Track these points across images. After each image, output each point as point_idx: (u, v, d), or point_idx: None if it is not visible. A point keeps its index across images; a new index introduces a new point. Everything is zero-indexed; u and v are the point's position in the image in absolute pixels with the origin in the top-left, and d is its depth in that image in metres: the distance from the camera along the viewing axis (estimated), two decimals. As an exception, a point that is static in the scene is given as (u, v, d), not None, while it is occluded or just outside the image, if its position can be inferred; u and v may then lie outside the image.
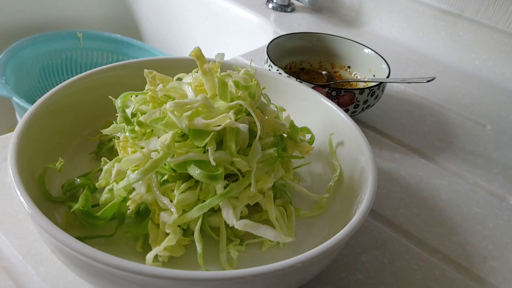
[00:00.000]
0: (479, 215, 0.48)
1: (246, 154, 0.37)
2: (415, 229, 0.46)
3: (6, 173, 0.44)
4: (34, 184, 0.37)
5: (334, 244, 0.31)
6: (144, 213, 0.37)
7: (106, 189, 0.38)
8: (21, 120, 0.38)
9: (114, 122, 0.43)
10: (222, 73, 0.41)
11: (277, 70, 0.55)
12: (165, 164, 0.36)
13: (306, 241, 0.39)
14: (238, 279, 0.28)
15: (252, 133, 0.38)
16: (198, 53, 0.39)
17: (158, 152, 0.35)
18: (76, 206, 0.36)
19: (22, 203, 0.31)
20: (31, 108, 0.39)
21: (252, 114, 0.37)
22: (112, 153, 0.44)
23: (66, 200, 0.39)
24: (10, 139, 0.48)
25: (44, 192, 0.38)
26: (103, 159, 0.41)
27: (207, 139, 0.35)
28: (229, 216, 0.35)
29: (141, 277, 0.28)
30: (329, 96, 0.54)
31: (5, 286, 0.35)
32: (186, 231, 0.37)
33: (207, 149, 0.35)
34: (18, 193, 0.32)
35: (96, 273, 0.30)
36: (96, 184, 0.39)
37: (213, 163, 0.34)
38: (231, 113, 0.36)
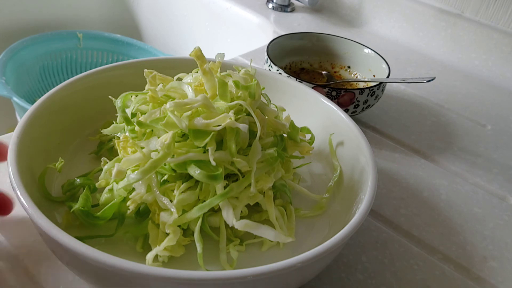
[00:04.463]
0: (479, 215, 0.48)
1: (246, 154, 0.37)
2: (415, 229, 0.46)
3: (6, 173, 0.44)
4: (34, 184, 0.37)
5: (334, 244, 0.31)
6: (144, 213, 0.37)
7: (106, 189, 0.38)
8: (21, 120, 0.38)
9: (114, 122, 0.43)
10: (222, 73, 0.41)
11: (277, 70, 0.55)
12: (165, 164, 0.36)
13: (306, 241, 0.39)
14: (239, 279, 0.28)
15: (252, 133, 0.38)
16: (198, 53, 0.39)
17: (158, 152, 0.35)
18: (76, 206, 0.36)
19: (22, 204, 0.31)
20: (31, 108, 0.39)
21: (252, 114, 0.37)
22: (112, 153, 0.44)
23: (66, 200, 0.39)
24: (10, 139, 0.48)
25: (44, 192, 0.38)
26: (103, 159, 0.41)
27: (207, 139, 0.35)
28: (229, 216, 0.35)
29: (141, 277, 0.28)
30: (329, 96, 0.54)
31: (5, 286, 0.35)
32: (186, 231, 0.37)
33: (207, 149, 0.35)
34: (18, 193, 0.32)
35: (96, 273, 0.30)
36: (96, 184, 0.39)
37: (213, 163, 0.34)
38: (231, 113, 0.36)
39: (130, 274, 0.28)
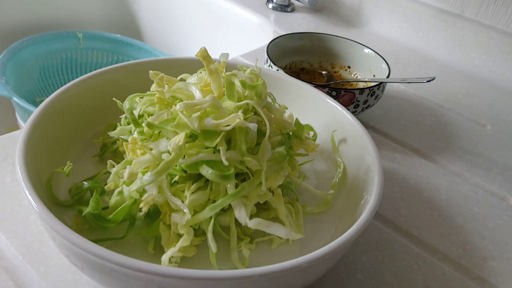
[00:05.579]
0: (479, 215, 0.48)
1: (254, 153, 0.37)
2: (415, 229, 0.46)
3: (6, 173, 0.44)
4: (42, 189, 0.36)
5: (341, 244, 0.31)
6: (153, 214, 0.37)
7: (115, 192, 0.38)
8: (26, 125, 0.37)
9: (118, 124, 0.43)
10: (227, 73, 0.41)
11: (277, 70, 0.55)
12: (175, 165, 0.36)
13: (314, 238, 0.40)
14: (269, 275, 0.29)
15: (259, 132, 0.38)
16: (204, 54, 0.39)
17: (170, 154, 0.35)
18: (88, 210, 0.35)
19: (37, 211, 0.31)
20: (34, 113, 0.39)
21: (261, 113, 0.38)
22: (116, 155, 0.44)
23: (74, 204, 0.38)
24: (10, 139, 0.48)
25: (52, 197, 0.38)
26: (109, 161, 0.41)
27: (218, 139, 0.35)
28: (241, 215, 0.35)
29: (163, 279, 0.28)
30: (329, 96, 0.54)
31: (5, 286, 0.35)
32: (197, 231, 0.37)
33: (217, 149, 0.35)
34: (32, 200, 0.32)
35: (115, 276, 0.30)
36: (105, 187, 0.38)
37: (226, 163, 0.34)
38: (240, 113, 0.36)
39: (155, 276, 0.28)
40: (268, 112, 0.40)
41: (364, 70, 0.64)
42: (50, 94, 0.42)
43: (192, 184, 0.36)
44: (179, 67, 0.49)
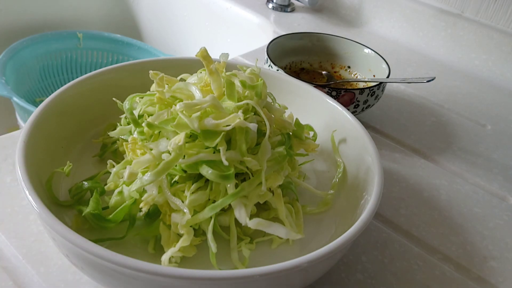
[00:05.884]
0: (479, 215, 0.48)
1: (254, 153, 0.37)
2: (415, 229, 0.46)
3: (6, 173, 0.44)
4: (42, 189, 0.36)
5: (340, 244, 0.31)
6: (153, 214, 0.37)
7: (115, 192, 0.38)
8: (26, 125, 0.37)
9: (118, 124, 0.43)
10: (227, 73, 0.41)
11: (277, 70, 0.55)
12: (176, 165, 0.36)
13: (314, 238, 0.40)
14: (269, 275, 0.29)
15: (259, 132, 0.38)
16: (204, 54, 0.39)
17: (170, 154, 0.35)
18: (88, 210, 0.35)
19: (38, 212, 0.31)
20: (34, 113, 0.39)
21: (261, 113, 0.38)
22: (116, 155, 0.44)
23: (74, 204, 0.38)
24: (10, 139, 0.48)
25: (52, 197, 0.37)
26: (109, 161, 0.41)
27: (218, 139, 0.35)
28: (241, 215, 0.35)
29: (163, 279, 0.28)
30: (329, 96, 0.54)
31: (5, 286, 0.35)
32: (197, 231, 0.37)
33: (217, 149, 0.35)
34: (32, 200, 0.31)
35: (115, 276, 0.30)
36: (105, 187, 0.38)
37: (226, 163, 0.34)
38: (240, 113, 0.36)
39: (155, 276, 0.28)
40: (268, 112, 0.40)
41: (364, 70, 0.64)
42: (50, 94, 0.42)
43: (192, 184, 0.36)
44: (179, 67, 0.49)
